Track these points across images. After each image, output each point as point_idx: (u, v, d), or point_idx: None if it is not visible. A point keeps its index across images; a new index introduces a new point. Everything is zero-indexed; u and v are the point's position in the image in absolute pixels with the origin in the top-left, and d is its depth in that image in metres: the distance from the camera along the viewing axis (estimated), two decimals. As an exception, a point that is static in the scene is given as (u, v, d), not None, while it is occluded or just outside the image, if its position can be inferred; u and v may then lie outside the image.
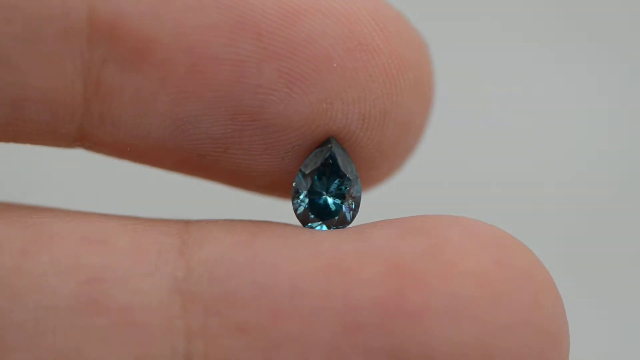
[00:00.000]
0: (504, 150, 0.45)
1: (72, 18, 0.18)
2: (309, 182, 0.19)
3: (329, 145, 0.19)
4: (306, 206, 0.19)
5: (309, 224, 0.20)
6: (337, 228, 0.20)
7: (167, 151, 0.20)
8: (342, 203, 0.19)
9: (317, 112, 0.19)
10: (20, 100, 0.18)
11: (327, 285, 0.17)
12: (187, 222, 0.19)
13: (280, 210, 0.22)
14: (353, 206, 0.20)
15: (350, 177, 0.20)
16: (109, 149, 0.20)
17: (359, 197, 0.20)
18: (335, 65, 0.19)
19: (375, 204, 0.22)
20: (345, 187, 0.20)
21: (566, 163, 0.45)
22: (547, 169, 0.45)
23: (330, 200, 0.19)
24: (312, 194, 0.19)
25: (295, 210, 0.20)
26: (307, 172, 0.19)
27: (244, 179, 0.21)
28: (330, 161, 0.19)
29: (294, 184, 0.20)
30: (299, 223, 0.20)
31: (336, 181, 0.19)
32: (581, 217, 0.45)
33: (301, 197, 0.19)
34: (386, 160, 0.21)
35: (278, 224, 0.19)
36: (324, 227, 0.20)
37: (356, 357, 0.17)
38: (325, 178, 0.19)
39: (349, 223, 0.20)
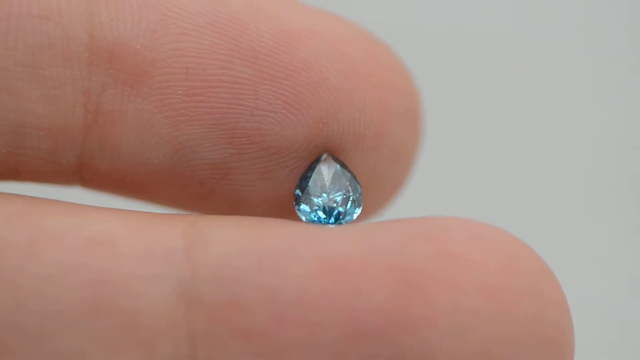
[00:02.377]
0: (513, 150, 0.45)
1: (73, 44, 0.19)
2: (309, 191, 0.20)
3: (324, 157, 0.20)
4: (308, 214, 0.20)
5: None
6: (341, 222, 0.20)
7: (166, 179, 0.20)
8: (344, 207, 0.20)
9: (314, 132, 0.20)
10: (21, 127, 0.19)
11: (332, 293, 0.17)
12: (193, 219, 0.19)
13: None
14: (354, 207, 0.20)
15: (350, 182, 0.20)
16: (108, 179, 0.20)
17: (360, 193, 0.20)
18: (330, 86, 0.19)
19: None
20: (346, 190, 0.20)
21: (572, 163, 0.45)
22: (555, 170, 0.45)
23: (331, 204, 0.20)
24: (313, 201, 0.20)
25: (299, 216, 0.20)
26: (305, 182, 0.20)
27: (244, 208, 0.21)
28: (326, 166, 0.20)
29: (294, 194, 0.20)
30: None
31: (336, 189, 0.20)
32: (588, 218, 0.44)
33: (301, 205, 0.20)
34: (380, 185, 0.21)
35: (284, 221, 0.19)
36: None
37: None
38: (324, 185, 0.20)
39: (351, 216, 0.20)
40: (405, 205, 0.24)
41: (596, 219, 0.45)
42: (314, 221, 0.20)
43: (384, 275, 0.17)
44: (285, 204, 0.21)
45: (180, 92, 0.19)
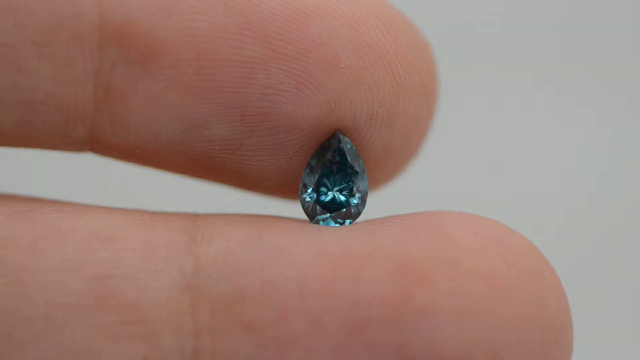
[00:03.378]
0: (512, 147, 0.45)
1: (83, 23, 0.18)
2: (316, 176, 0.20)
3: (336, 139, 0.19)
4: (313, 201, 0.20)
5: (316, 218, 0.20)
6: (343, 223, 0.20)
7: (175, 153, 0.20)
8: (349, 197, 0.20)
9: (325, 112, 0.19)
10: (32, 103, 0.19)
11: (334, 284, 0.17)
12: (194, 217, 0.19)
13: (288, 205, 0.22)
14: (360, 200, 0.20)
15: (357, 171, 0.20)
16: (118, 152, 0.20)
17: (366, 191, 0.20)
18: (342, 65, 0.19)
19: (382, 198, 0.23)
20: (352, 181, 0.20)
21: (572, 162, 0.46)
22: (553, 167, 0.45)
23: (337, 194, 0.20)
24: (320, 188, 0.20)
25: (303, 205, 0.20)
26: (314, 166, 0.20)
27: (252, 181, 0.21)
28: (337, 155, 0.19)
29: (301, 178, 0.20)
30: (306, 218, 0.20)
31: (343, 175, 0.20)
32: (586, 216, 0.45)
33: (308, 191, 0.20)
34: (392, 159, 0.21)
35: (285, 218, 0.19)
36: (331, 222, 0.20)
37: (363, 355, 0.17)
38: (332, 172, 0.20)
39: (356, 217, 0.20)
40: (404, 201, 0.24)
41: (595, 216, 0.45)
42: (316, 216, 0.20)
43: (384, 263, 0.18)
44: (293, 178, 0.21)
45: (191, 71, 0.19)
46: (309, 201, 0.20)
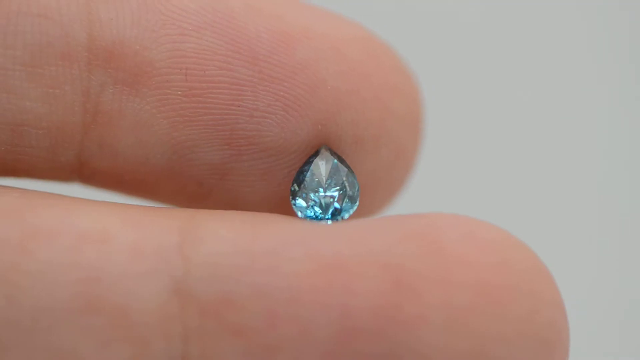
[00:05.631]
0: (507, 148, 0.45)
1: (72, 44, 0.19)
2: (306, 180, 0.20)
3: (323, 148, 0.20)
4: (304, 205, 0.20)
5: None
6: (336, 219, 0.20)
7: (164, 178, 0.20)
8: (340, 203, 0.20)
9: (312, 134, 0.20)
10: (20, 125, 0.19)
11: (324, 290, 0.17)
12: (190, 214, 0.19)
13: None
14: (350, 203, 0.20)
15: (347, 178, 0.20)
16: (107, 178, 0.20)
17: (357, 193, 0.20)
18: (329, 87, 0.19)
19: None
20: (342, 187, 0.20)
21: (568, 162, 0.46)
22: (552, 168, 0.45)
23: (327, 200, 0.20)
24: (310, 196, 0.20)
25: (294, 209, 0.20)
26: (303, 172, 0.20)
27: (242, 208, 0.21)
28: (325, 160, 0.20)
29: (291, 185, 0.20)
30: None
31: (332, 184, 0.20)
32: (584, 217, 0.45)
33: (298, 197, 0.20)
34: (379, 187, 0.21)
35: (279, 218, 0.19)
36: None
37: None
38: (321, 176, 0.20)
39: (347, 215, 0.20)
40: (403, 201, 0.24)
41: (596, 218, 0.45)
42: (309, 217, 0.20)
43: (376, 273, 0.17)
44: (283, 204, 0.21)
45: (179, 92, 0.19)
46: (300, 206, 0.20)
